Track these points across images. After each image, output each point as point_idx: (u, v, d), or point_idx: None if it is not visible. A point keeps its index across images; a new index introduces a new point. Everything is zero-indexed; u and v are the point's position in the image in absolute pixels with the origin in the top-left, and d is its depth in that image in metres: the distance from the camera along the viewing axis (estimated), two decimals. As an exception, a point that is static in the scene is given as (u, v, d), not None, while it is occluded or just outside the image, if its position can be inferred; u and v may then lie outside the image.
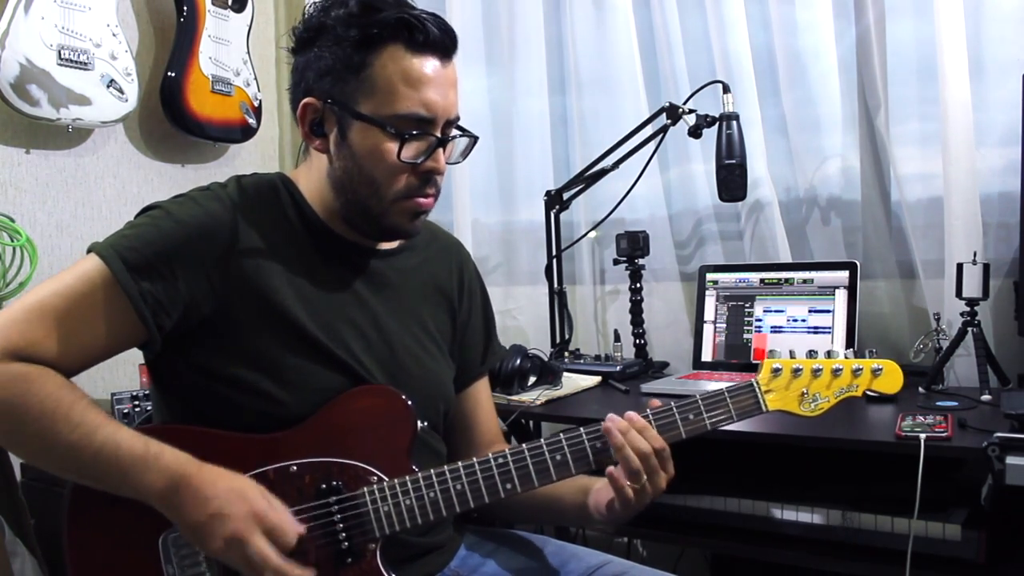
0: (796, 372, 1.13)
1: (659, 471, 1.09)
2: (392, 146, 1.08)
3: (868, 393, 1.14)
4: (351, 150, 1.10)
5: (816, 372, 1.12)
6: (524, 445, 1.09)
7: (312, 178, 1.16)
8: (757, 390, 1.12)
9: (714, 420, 1.11)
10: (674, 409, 1.11)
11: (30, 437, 1.00)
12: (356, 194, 1.12)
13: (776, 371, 1.13)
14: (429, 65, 1.08)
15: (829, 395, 1.13)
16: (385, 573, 1.06)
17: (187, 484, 0.98)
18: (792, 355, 1.14)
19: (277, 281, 1.11)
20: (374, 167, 1.09)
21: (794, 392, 1.12)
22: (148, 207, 1.11)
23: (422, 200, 1.13)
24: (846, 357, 1.14)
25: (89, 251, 1.06)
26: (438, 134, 1.10)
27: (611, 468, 1.09)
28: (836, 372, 1.13)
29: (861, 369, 1.13)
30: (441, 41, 1.08)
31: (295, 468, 1.07)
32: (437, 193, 1.15)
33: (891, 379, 1.13)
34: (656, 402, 1.12)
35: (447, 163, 1.14)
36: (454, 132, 1.14)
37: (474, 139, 1.18)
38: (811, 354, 1.15)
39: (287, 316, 1.10)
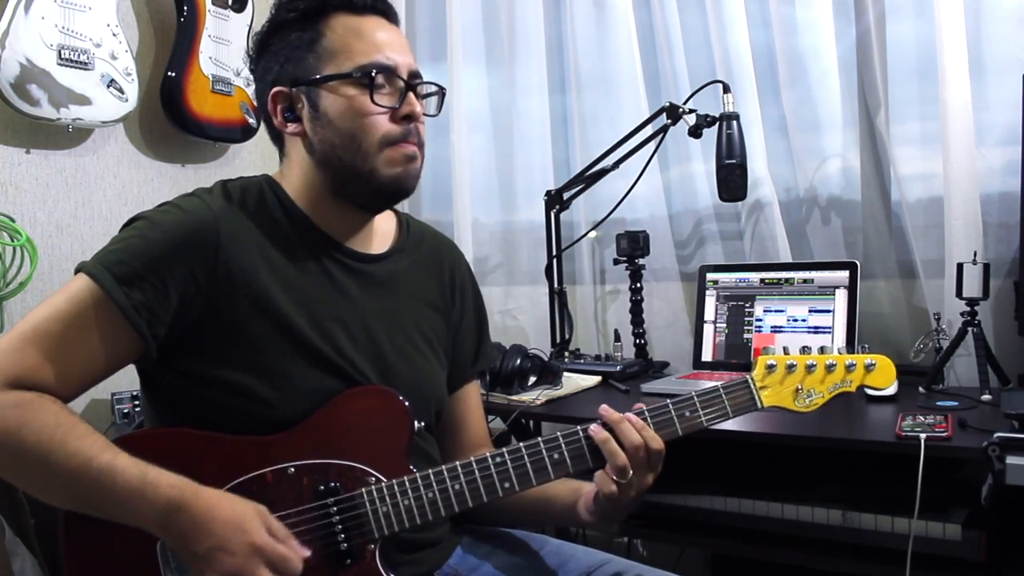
0: (790, 368, 1.13)
1: (647, 468, 1.09)
2: (364, 95, 1.11)
3: (865, 390, 1.14)
4: (327, 116, 1.12)
5: (810, 368, 1.12)
6: (521, 444, 1.09)
7: (294, 174, 1.17)
8: (752, 386, 1.12)
9: (710, 417, 1.11)
10: (670, 407, 1.11)
11: (30, 467, 0.99)
12: (342, 160, 1.13)
13: (771, 367, 1.13)
14: (376, 23, 1.14)
15: (823, 390, 1.13)
16: (384, 574, 1.06)
17: (185, 512, 0.96)
18: (786, 351, 1.14)
19: (265, 282, 1.10)
20: (352, 123, 1.11)
21: (788, 388, 1.12)
22: (132, 219, 1.11)
23: (407, 145, 1.14)
24: (839, 352, 1.14)
25: (77, 271, 1.06)
26: (404, 78, 1.14)
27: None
28: (830, 368, 1.12)
29: (854, 364, 1.13)
30: (379, 3, 1.15)
31: (292, 470, 1.06)
32: (421, 144, 1.16)
33: (884, 374, 1.13)
34: (640, 405, 1.12)
35: (425, 115, 1.17)
36: (420, 81, 1.17)
37: (442, 90, 1.23)
38: (805, 350, 1.15)
39: (276, 317, 1.10)
